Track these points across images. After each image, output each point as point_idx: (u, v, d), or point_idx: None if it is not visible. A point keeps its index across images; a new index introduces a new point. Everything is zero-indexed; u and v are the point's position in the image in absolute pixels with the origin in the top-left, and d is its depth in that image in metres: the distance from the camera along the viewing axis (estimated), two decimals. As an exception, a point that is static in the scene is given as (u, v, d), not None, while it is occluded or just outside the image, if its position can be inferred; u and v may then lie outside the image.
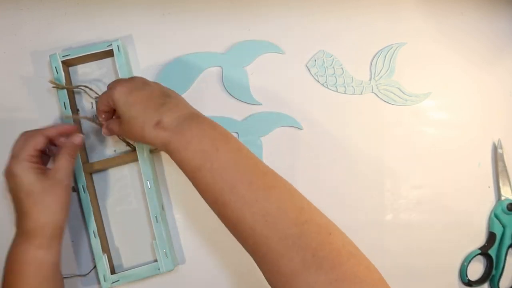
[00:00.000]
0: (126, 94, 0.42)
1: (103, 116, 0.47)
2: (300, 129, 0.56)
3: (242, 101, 0.56)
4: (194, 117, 0.41)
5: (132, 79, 0.45)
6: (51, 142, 0.47)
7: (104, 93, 0.46)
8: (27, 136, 0.45)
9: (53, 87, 0.52)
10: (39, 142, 0.45)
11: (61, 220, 0.45)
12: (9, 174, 0.43)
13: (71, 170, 0.46)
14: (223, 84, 0.56)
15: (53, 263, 0.44)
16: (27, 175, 0.43)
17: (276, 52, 0.57)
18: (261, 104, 0.56)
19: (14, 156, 0.44)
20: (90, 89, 0.53)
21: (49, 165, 0.49)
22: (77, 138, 0.47)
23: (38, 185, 0.43)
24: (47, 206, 0.43)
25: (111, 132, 0.48)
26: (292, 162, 0.56)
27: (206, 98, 0.56)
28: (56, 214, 0.44)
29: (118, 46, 0.52)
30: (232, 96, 0.56)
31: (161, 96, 0.43)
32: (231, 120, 0.56)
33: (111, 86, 0.44)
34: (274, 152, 0.56)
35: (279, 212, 0.36)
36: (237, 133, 0.55)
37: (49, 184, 0.44)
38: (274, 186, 0.38)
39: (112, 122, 0.47)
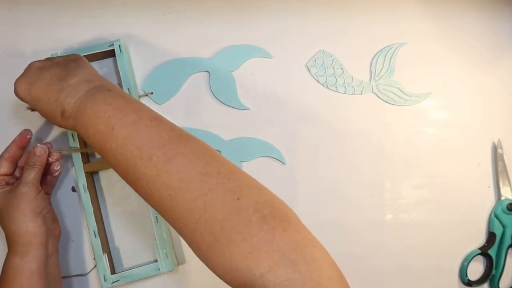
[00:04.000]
0: (27, 90, 0.42)
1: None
2: (284, 163, 0.54)
3: (229, 106, 0.55)
4: (90, 96, 0.39)
5: (28, 68, 0.43)
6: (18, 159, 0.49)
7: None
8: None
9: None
10: (2, 167, 0.47)
11: (31, 227, 0.44)
12: None
13: (34, 177, 0.45)
14: (211, 89, 0.55)
15: (30, 271, 0.43)
16: None
17: (264, 56, 0.56)
18: (249, 109, 0.55)
19: None
20: None
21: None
22: (37, 149, 0.47)
23: (2, 201, 0.45)
24: (12, 217, 0.44)
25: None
26: (291, 163, 0.55)
27: (194, 103, 0.54)
28: (22, 223, 0.44)
29: (119, 46, 0.51)
30: (220, 101, 0.54)
31: (59, 80, 0.41)
32: (218, 138, 0.54)
33: (15, 86, 0.43)
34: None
35: (181, 184, 0.33)
36: (219, 151, 0.54)
37: (10, 197, 0.45)
38: (176, 154, 0.34)
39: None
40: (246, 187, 0.33)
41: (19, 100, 0.52)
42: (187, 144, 0.35)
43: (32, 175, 0.45)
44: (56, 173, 0.50)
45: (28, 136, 0.49)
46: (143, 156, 0.34)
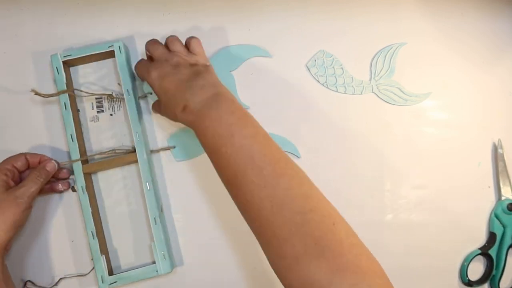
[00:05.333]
0: (159, 80, 0.43)
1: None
2: (298, 157, 0.52)
3: None
4: (215, 100, 0.41)
5: (166, 61, 0.44)
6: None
7: (142, 65, 0.46)
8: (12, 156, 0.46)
9: (35, 94, 0.47)
10: (18, 160, 0.45)
11: (5, 239, 0.41)
12: None
13: (34, 192, 0.44)
14: None
15: None
16: None
17: (264, 56, 0.53)
18: (249, 108, 0.52)
19: None
20: (74, 91, 0.50)
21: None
22: (50, 164, 0.46)
23: None
24: None
25: (155, 112, 0.50)
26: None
27: None
28: (0, 232, 0.41)
29: (119, 47, 0.49)
30: None
31: (189, 79, 0.42)
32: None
33: (148, 70, 0.44)
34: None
35: (285, 200, 0.36)
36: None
37: (3, 198, 0.42)
38: (284, 173, 0.37)
39: (157, 103, 0.49)
40: (338, 217, 0.37)
41: (19, 100, 0.51)
42: (293, 168, 0.39)
43: (32, 189, 0.44)
44: (58, 191, 0.49)
45: (54, 167, 0.47)
46: (255, 167, 0.37)
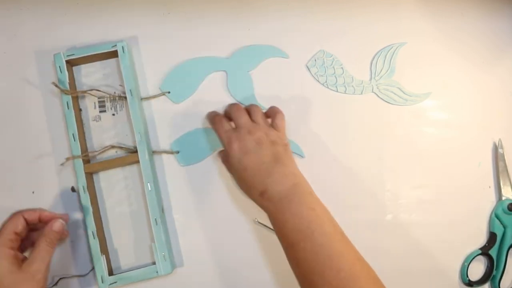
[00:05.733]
0: (240, 154, 0.43)
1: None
2: (302, 157, 0.51)
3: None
4: (296, 193, 0.41)
5: (249, 133, 0.43)
6: (32, 227, 0.44)
7: (224, 130, 0.45)
8: (7, 219, 0.42)
9: (62, 90, 0.47)
10: (18, 224, 0.41)
11: None
12: None
13: (48, 260, 0.41)
14: (228, 89, 0.52)
15: None
16: (1, 262, 0.39)
17: (281, 56, 0.53)
18: (266, 108, 0.52)
19: None
20: (98, 90, 0.49)
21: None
22: (57, 224, 0.43)
23: (9, 277, 0.38)
24: None
25: (222, 160, 0.48)
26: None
27: (211, 102, 0.51)
28: None
29: (122, 47, 0.48)
30: (237, 100, 0.52)
31: (271, 162, 0.42)
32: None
33: (229, 140, 0.43)
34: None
35: None
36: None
37: (21, 277, 0.39)
38: (361, 276, 0.37)
39: (224, 156, 0.47)
40: None
41: (19, 100, 0.50)
42: (368, 269, 0.39)
43: (47, 259, 0.40)
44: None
45: (62, 225, 0.43)
46: (333, 267, 0.37)
